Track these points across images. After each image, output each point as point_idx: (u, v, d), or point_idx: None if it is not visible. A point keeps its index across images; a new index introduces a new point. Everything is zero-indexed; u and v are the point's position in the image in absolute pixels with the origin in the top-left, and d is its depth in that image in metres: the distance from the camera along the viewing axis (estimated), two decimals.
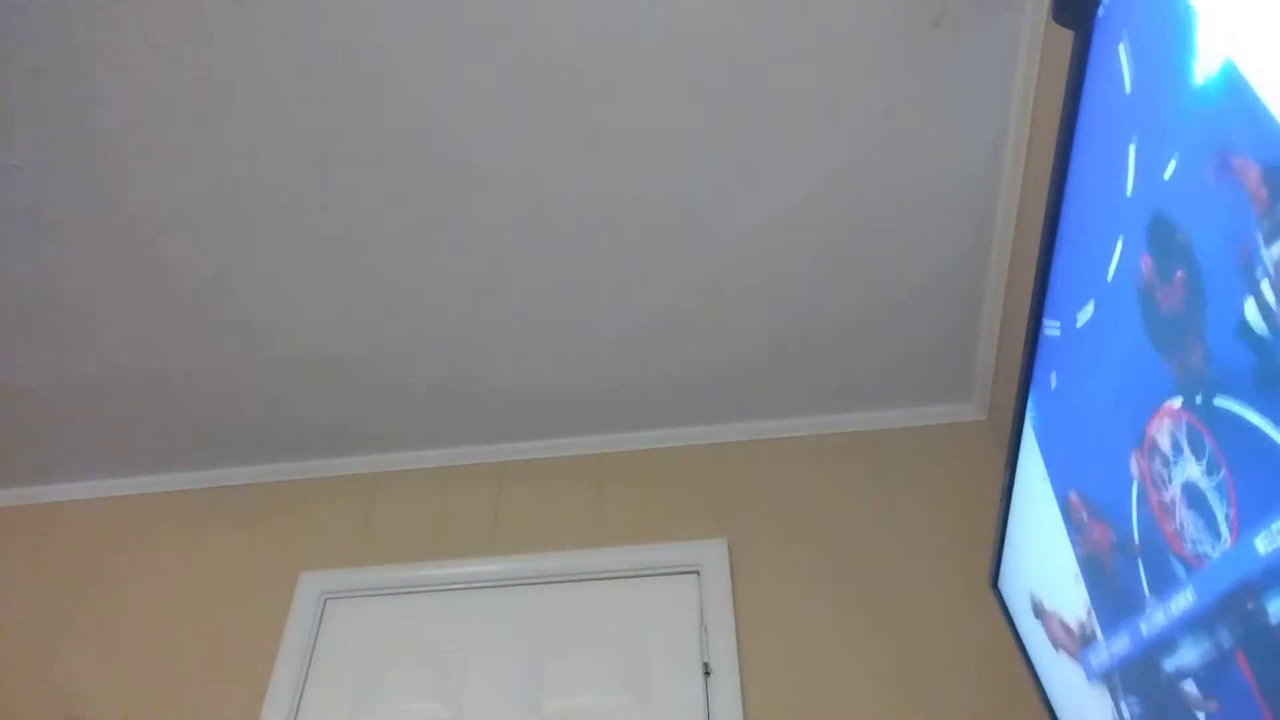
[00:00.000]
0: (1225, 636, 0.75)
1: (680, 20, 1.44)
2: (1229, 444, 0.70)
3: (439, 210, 1.72)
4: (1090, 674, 1.12)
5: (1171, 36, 0.74)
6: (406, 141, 1.60)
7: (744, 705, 1.78)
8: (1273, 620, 0.66)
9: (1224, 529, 0.72)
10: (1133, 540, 0.92)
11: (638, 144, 1.61)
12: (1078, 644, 1.14)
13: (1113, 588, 0.99)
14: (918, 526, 2.01)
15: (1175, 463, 0.80)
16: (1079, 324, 0.99)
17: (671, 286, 1.87)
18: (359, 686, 1.93)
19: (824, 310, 1.93)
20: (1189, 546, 0.79)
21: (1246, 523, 0.69)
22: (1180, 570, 0.82)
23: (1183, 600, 0.82)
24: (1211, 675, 0.79)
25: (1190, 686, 0.84)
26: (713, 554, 2.01)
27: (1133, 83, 0.82)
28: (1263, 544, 0.66)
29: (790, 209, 1.72)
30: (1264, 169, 0.61)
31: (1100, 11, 0.88)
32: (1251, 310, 0.64)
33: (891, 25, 1.44)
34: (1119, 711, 1.03)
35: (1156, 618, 0.89)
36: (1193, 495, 0.77)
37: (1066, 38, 0.95)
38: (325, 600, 2.08)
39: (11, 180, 1.65)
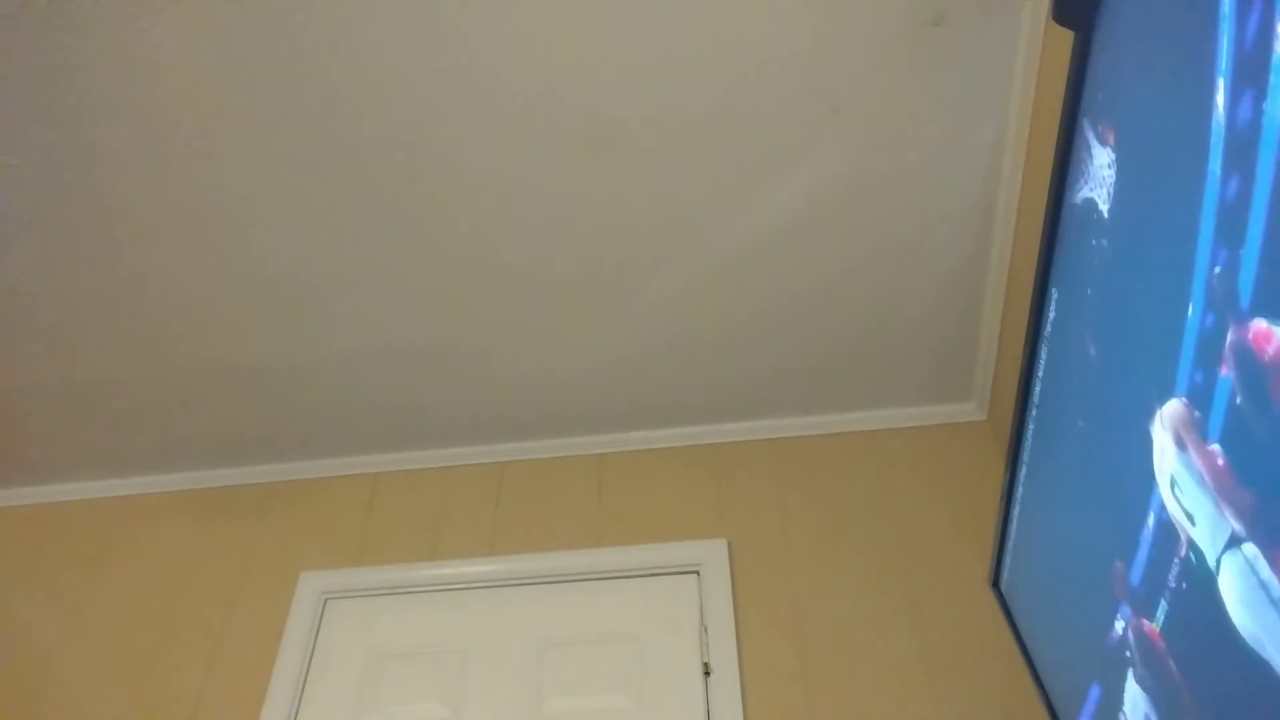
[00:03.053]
0: None
1: (679, 22, 1.44)
2: None
3: (438, 210, 1.72)
4: None
5: None
6: (410, 141, 1.60)
7: (744, 705, 1.78)
8: None
9: None
10: None
11: (637, 147, 1.61)
12: None
13: None
14: (918, 527, 2.01)
15: None
16: None
17: (671, 288, 1.87)
18: (359, 686, 1.93)
19: (824, 310, 1.92)
20: None
21: None
22: None
23: None
24: None
25: None
26: (713, 554, 2.00)
27: None
28: None
29: (791, 210, 1.72)
30: None
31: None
32: None
33: (891, 25, 1.45)
34: None
35: None
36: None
37: (1066, 38, 0.95)
38: (325, 600, 2.08)
39: (12, 180, 1.65)
